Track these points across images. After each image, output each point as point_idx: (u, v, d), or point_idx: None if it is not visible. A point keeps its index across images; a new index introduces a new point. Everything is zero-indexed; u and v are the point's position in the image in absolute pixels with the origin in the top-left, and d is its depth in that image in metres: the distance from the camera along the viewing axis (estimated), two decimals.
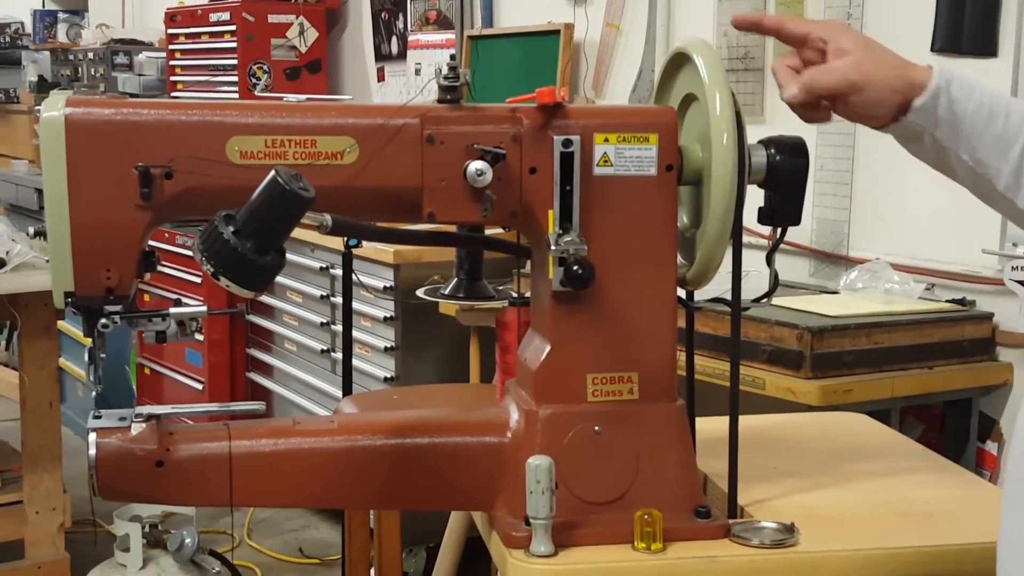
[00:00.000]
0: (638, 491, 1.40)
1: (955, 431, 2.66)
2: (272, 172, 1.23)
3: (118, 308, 1.38)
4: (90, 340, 1.40)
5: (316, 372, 3.84)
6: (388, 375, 3.43)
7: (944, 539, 1.42)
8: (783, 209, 1.44)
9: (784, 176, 1.43)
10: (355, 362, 3.25)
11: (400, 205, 1.41)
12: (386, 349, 3.44)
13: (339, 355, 3.67)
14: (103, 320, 1.37)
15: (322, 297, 3.71)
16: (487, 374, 3.31)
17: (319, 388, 3.80)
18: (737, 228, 1.39)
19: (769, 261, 1.48)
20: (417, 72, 4.54)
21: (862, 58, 1.27)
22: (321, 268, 3.68)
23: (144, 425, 1.38)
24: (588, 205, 1.39)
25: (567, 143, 1.38)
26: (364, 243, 3.18)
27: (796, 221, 1.45)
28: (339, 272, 3.55)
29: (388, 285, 3.40)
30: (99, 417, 1.39)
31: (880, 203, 2.90)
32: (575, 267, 1.35)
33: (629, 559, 1.35)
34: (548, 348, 1.42)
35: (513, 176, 1.39)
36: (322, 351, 3.76)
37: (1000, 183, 1.23)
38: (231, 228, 1.23)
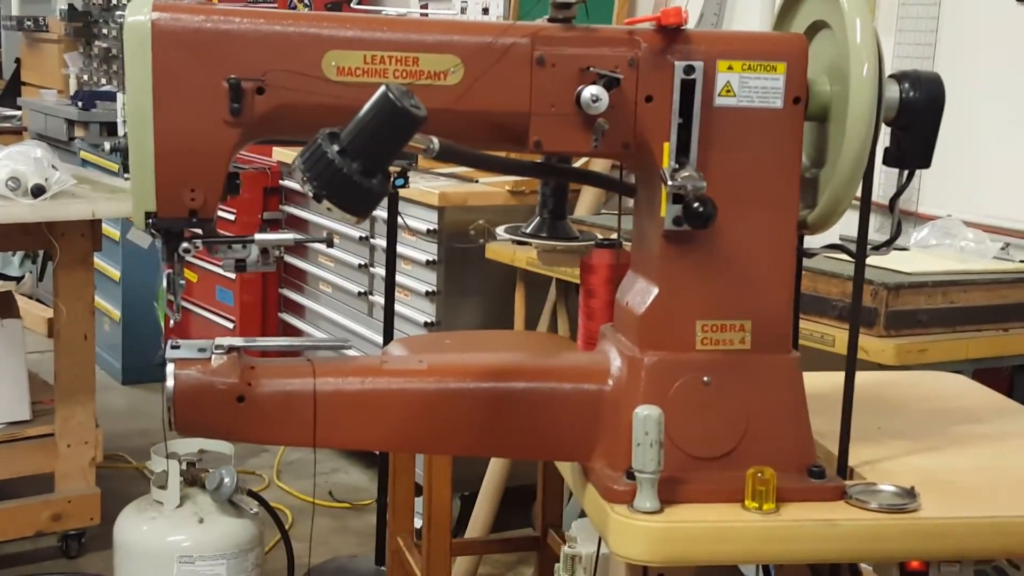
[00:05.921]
0: (748, 447, 1.32)
1: None
2: (382, 87, 1.13)
3: (198, 231, 1.29)
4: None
5: (352, 315, 3.75)
6: (428, 320, 3.35)
7: None
8: (913, 150, 1.34)
9: (917, 113, 1.33)
10: (394, 306, 3.17)
11: (504, 132, 1.31)
12: (427, 293, 3.35)
13: (376, 298, 3.58)
14: (184, 244, 1.28)
15: (361, 239, 3.62)
16: (531, 321, 3.22)
17: (354, 331, 3.71)
18: (869, 169, 1.29)
19: (892, 206, 1.38)
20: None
21: None
22: None
23: (224, 357, 1.29)
24: (707, 138, 1.30)
25: (689, 69, 1.28)
26: (409, 184, 3.10)
27: (927, 163, 1.35)
28: (380, 212, 3.45)
29: (432, 228, 3.30)
30: (177, 347, 1.31)
31: (954, 159, 2.78)
32: (695, 204, 1.25)
33: (740, 519, 1.26)
34: (656, 291, 1.33)
35: (627, 104, 1.29)
36: (359, 293, 3.67)
37: None
38: (336, 147, 1.13)
